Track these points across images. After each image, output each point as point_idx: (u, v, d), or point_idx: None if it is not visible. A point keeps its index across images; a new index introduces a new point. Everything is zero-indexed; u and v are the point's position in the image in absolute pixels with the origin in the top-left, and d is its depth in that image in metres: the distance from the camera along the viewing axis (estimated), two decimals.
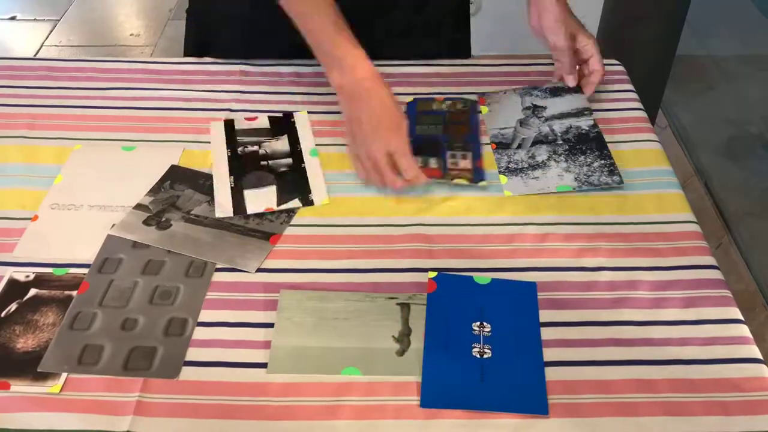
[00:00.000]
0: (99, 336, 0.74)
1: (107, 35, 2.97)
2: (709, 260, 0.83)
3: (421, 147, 0.96)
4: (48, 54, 2.80)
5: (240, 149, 0.98)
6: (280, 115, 1.05)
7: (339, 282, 0.80)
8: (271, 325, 0.75)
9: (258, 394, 0.69)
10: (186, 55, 1.20)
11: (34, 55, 2.78)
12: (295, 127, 1.02)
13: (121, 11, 3.13)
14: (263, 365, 0.71)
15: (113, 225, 0.86)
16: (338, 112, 0.98)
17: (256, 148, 0.98)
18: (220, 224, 0.88)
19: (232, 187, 0.92)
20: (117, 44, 2.90)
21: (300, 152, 0.98)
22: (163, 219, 0.88)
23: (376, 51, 1.14)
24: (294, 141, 1.00)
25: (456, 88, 1.10)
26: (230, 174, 0.94)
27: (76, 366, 0.71)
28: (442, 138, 0.99)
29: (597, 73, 1.05)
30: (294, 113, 1.05)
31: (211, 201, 0.90)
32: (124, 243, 0.84)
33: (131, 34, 2.95)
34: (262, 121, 1.03)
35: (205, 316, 0.76)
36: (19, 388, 0.69)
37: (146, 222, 0.87)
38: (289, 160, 0.96)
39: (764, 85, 2.19)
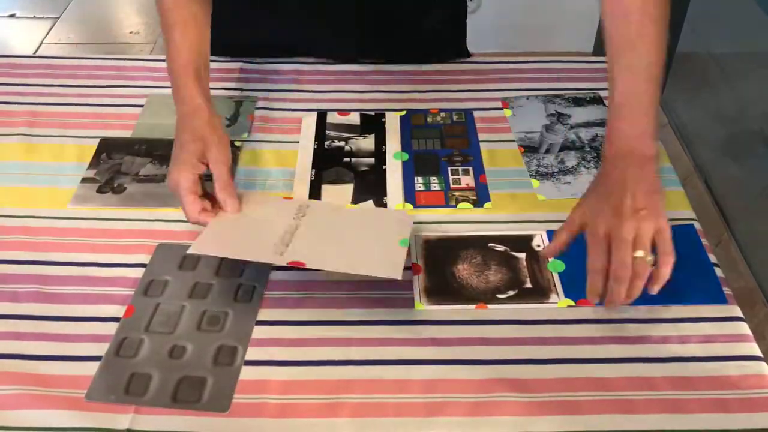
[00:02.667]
0: (146, 364, 0.71)
1: (107, 33, 2.97)
2: (709, 257, 0.83)
3: (421, 164, 0.95)
4: (48, 51, 2.79)
5: (327, 143, 0.99)
6: (372, 113, 1.04)
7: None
8: (271, 323, 0.75)
9: (258, 392, 0.69)
10: None
11: (34, 53, 2.77)
12: (384, 128, 1.02)
13: (121, 9, 3.13)
14: (263, 363, 0.72)
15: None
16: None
17: (342, 143, 0.99)
18: None
19: (311, 180, 0.93)
20: (116, 42, 2.90)
21: (384, 153, 0.97)
22: (116, 184, 0.90)
23: (369, 55, 1.14)
24: (380, 141, 0.99)
25: (455, 86, 1.10)
26: (312, 167, 0.95)
27: (122, 396, 0.68)
28: (441, 153, 0.97)
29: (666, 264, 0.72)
30: (386, 113, 1.04)
31: (153, 161, 0.94)
32: (169, 263, 0.81)
33: (131, 32, 2.95)
34: (353, 118, 1.03)
35: None
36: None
37: (100, 190, 0.90)
38: (372, 160, 0.96)
39: (764, 83, 2.18)
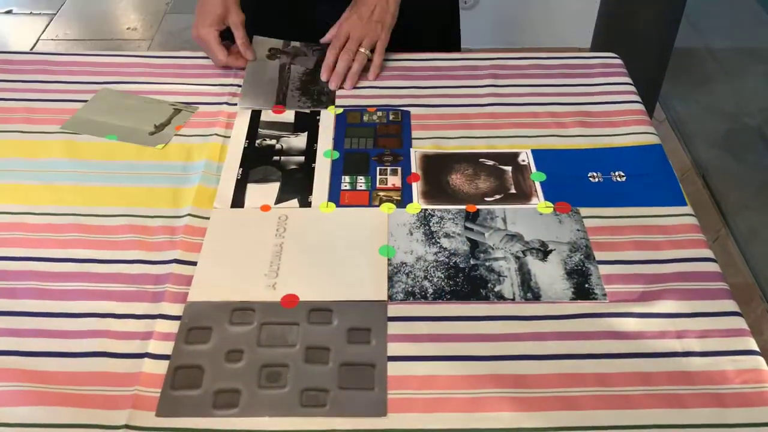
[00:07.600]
0: None
1: (104, 29, 2.96)
2: (707, 253, 0.83)
3: (350, 163, 0.94)
4: (45, 48, 2.79)
5: (258, 141, 0.98)
6: (308, 111, 1.03)
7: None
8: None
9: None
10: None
11: (31, 49, 2.77)
12: (318, 125, 1.01)
13: (118, 5, 3.12)
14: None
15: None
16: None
17: (273, 142, 0.97)
18: None
19: (237, 179, 0.92)
20: (114, 38, 2.89)
21: (315, 152, 0.96)
22: None
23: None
24: (312, 139, 0.98)
25: (453, 81, 1.09)
26: (240, 166, 0.94)
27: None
28: (372, 152, 0.96)
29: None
30: (321, 110, 1.03)
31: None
32: None
33: (128, 28, 2.95)
34: (288, 115, 1.02)
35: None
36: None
37: None
38: (301, 159, 0.95)
39: (762, 78, 2.18)
